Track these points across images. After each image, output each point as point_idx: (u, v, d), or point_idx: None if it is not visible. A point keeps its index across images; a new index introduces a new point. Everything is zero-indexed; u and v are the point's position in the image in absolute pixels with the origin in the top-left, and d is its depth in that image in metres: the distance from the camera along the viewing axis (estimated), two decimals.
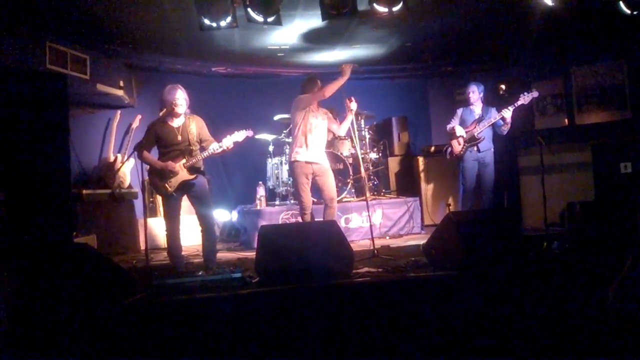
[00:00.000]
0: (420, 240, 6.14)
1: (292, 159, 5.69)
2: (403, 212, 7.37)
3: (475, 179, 6.49)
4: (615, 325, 1.76)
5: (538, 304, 3.79)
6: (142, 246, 5.96)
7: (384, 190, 8.06)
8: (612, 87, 7.56)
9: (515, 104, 6.18)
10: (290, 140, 6.64)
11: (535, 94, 6.21)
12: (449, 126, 6.68)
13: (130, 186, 7.20)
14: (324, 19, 5.67)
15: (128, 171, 7.20)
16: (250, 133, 5.17)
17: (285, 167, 7.21)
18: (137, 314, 3.44)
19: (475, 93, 6.56)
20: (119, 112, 7.46)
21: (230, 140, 4.98)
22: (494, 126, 6.44)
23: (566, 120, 7.91)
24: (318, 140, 5.73)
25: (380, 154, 8.07)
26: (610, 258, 4.10)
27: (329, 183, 5.72)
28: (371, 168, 7.77)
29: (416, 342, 3.59)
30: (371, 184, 7.75)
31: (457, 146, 6.53)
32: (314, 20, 6.30)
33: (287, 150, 7.20)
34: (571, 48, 7.82)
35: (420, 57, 8.18)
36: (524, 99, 6.16)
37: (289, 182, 7.20)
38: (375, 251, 5.34)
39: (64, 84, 5.11)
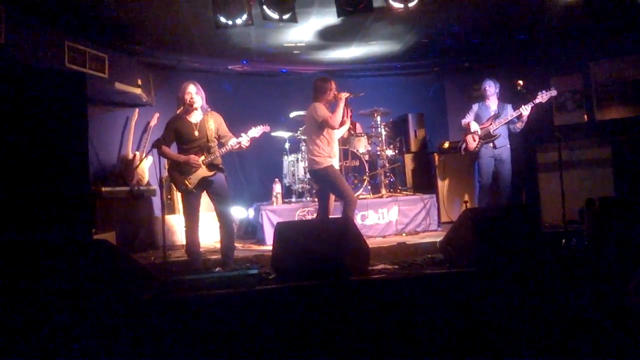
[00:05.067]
0: (437, 237, 6.12)
1: (327, 165, 5.34)
2: (419, 209, 7.34)
3: (491, 175, 6.45)
4: (633, 321, 1.74)
5: (556, 302, 3.75)
6: (161, 243, 6.02)
7: (400, 187, 8.03)
8: (632, 82, 7.45)
9: (534, 102, 6.11)
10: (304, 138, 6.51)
11: (553, 92, 6.12)
12: (464, 121, 6.62)
13: (148, 183, 7.27)
14: (340, 15, 5.66)
15: (146, 168, 7.27)
16: (267, 128, 5.17)
17: (302, 165, 7.22)
18: (154, 310, 3.47)
19: (492, 87, 6.51)
20: (137, 110, 7.53)
21: (247, 137, 5.00)
22: (508, 123, 6.39)
23: (585, 116, 7.82)
24: (336, 145, 5.58)
25: (396, 151, 8.04)
26: (630, 255, 4.06)
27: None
28: (387, 165, 7.75)
29: (433, 339, 3.58)
30: (387, 181, 7.73)
31: (472, 142, 6.48)
32: (329, 17, 6.30)
33: (303, 148, 7.20)
34: (590, 43, 7.72)
35: (437, 53, 8.13)
36: (542, 97, 6.08)
37: (305, 179, 7.21)
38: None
39: (83, 83, 5.17)
